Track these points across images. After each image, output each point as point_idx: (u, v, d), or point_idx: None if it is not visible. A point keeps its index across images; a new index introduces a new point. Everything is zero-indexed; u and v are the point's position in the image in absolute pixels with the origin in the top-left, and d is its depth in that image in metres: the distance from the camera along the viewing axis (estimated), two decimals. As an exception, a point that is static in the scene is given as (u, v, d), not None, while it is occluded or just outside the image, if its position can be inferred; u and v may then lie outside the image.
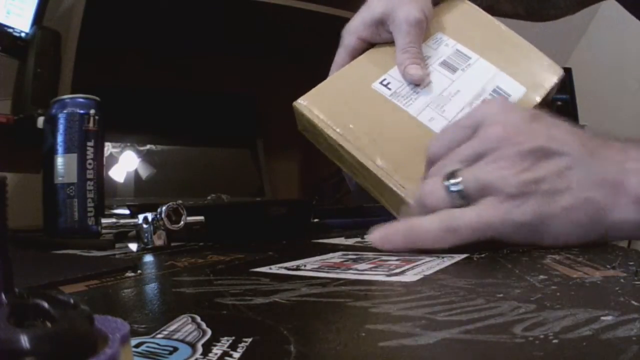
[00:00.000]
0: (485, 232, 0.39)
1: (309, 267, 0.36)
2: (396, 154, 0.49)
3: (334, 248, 0.47)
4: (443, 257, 0.37)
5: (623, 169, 0.39)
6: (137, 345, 0.18)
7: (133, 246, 0.53)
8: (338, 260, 0.39)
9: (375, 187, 0.52)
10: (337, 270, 0.34)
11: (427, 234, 0.41)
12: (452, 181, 0.40)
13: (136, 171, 1.10)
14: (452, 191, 0.40)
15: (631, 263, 0.32)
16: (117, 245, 0.53)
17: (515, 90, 0.53)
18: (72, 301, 0.13)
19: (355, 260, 0.38)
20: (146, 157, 1.12)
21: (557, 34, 1.45)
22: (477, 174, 0.40)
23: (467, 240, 0.39)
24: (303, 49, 1.27)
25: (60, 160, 0.59)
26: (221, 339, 0.19)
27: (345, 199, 1.08)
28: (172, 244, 0.52)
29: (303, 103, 0.53)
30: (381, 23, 0.55)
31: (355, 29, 0.57)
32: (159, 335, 0.20)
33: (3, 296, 0.12)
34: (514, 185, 0.38)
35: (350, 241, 0.53)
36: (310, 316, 0.24)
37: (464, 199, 0.40)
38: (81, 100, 0.61)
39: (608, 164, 0.39)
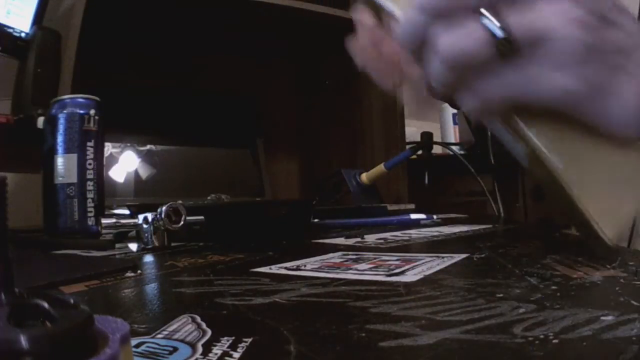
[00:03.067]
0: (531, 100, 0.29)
1: (309, 267, 0.36)
2: None
3: (334, 248, 0.47)
4: (443, 257, 0.37)
5: None
6: (137, 345, 0.18)
7: (133, 246, 0.53)
8: (338, 260, 0.39)
9: None
10: (337, 270, 0.34)
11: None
12: (494, 22, 0.28)
13: (136, 171, 1.10)
14: (495, 35, 0.27)
15: (631, 263, 0.32)
16: (117, 245, 0.53)
17: None
18: (72, 301, 0.13)
19: (355, 260, 0.38)
20: (146, 157, 1.12)
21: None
22: (530, 17, 0.27)
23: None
24: (303, 49, 1.27)
25: (60, 160, 0.59)
26: (221, 339, 0.19)
27: (345, 199, 1.08)
28: (172, 244, 0.52)
29: None
30: None
31: None
32: (159, 335, 0.20)
33: (3, 296, 0.12)
34: (567, 44, 0.27)
35: (350, 241, 0.53)
36: (310, 316, 0.24)
37: (506, 51, 0.28)
38: (81, 100, 0.61)
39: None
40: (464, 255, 0.38)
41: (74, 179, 0.59)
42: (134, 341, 0.18)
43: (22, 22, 0.78)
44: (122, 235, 0.60)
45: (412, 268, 0.33)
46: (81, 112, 0.60)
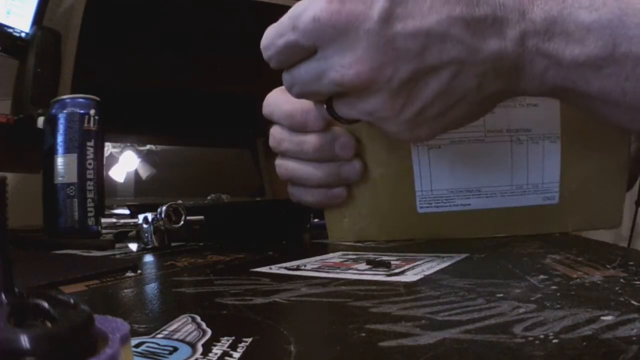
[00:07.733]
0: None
1: (309, 267, 0.36)
2: None
3: (334, 248, 0.47)
4: (443, 257, 0.37)
5: (522, 47, 0.33)
6: (137, 345, 0.18)
7: (133, 246, 0.53)
8: (338, 260, 0.39)
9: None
10: (337, 270, 0.34)
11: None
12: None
13: (136, 171, 1.10)
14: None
15: (631, 263, 0.32)
16: (117, 245, 0.53)
17: None
18: (72, 301, 0.13)
19: (355, 260, 0.38)
20: (146, 157, 1.12)
21: None
22: (352, 112, 0.39)
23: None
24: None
25: (60, 160, 0.59)
26: (221, 339, 0.19)
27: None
28: (172, 244, 0.52)
29: None
30: None
31: None
32: (159, 335, 0.20)
33: (3, 296, 0.12)
34: (399, 125, 0.37)
35: (350, 241, 0.53)
36: (310, 316, 0.24)
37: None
38: (81, 100, 0.61)
39: (501, 41, 0.33)
40: (464, 255, 0.38)
41: (74, 179, 0.59)
42: (134, 341, 0.18)
43: (22, 22, 0.78)
44: (122, 235, 0.60)
45: (412, 268, 0.33)
46: (81, 112, 0.60)
